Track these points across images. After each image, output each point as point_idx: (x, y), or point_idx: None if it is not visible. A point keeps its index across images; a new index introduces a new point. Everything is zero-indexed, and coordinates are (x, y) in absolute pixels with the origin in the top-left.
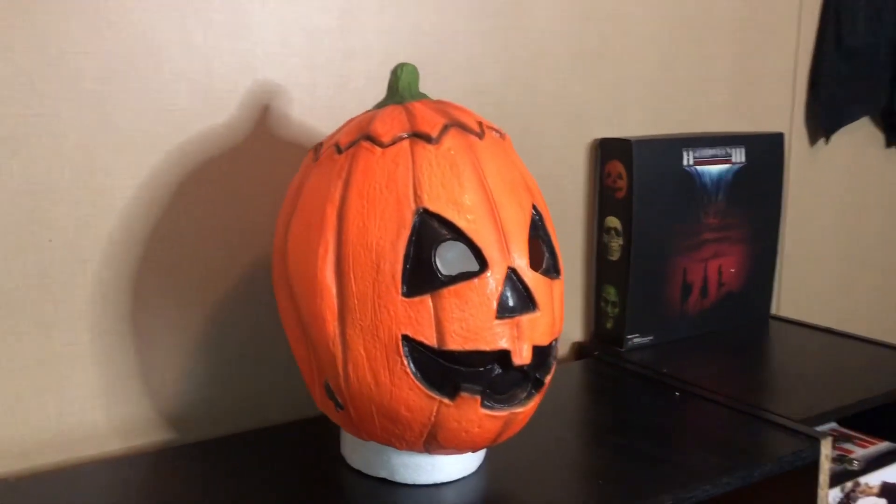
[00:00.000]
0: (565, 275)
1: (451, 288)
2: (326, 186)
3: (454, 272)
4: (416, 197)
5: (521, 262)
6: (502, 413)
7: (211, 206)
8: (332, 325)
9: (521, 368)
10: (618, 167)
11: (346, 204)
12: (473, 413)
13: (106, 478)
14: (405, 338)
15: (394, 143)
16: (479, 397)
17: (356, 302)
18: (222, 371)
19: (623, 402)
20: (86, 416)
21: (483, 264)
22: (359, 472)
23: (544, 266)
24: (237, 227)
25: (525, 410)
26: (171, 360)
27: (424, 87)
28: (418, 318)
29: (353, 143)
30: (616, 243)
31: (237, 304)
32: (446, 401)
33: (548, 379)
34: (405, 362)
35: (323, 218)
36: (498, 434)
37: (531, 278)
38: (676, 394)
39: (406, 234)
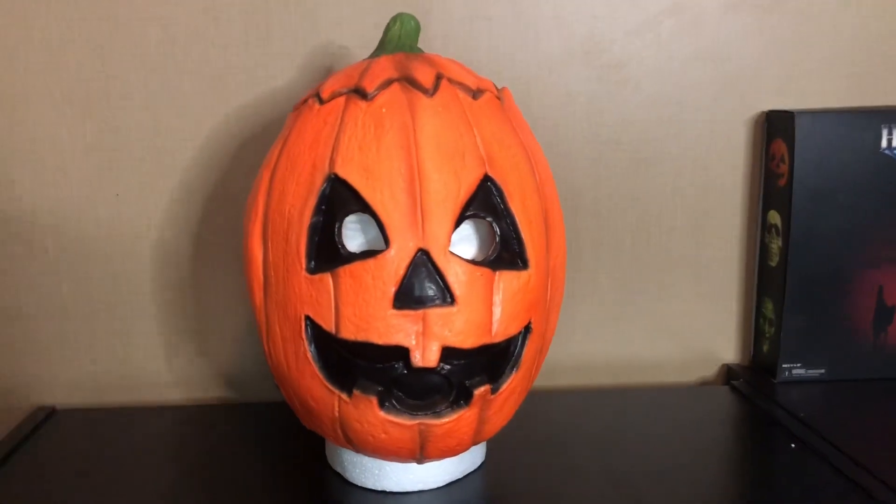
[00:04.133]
0: (716, 281)
1: (348, 267)
2: (272, 146)
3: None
4: (332, 161)
5: (439, 244)
6: (409, 422)
7: None
8: (259, 297)
9: (436, 372)
10: (781, 147)
11: (277, 165)
12: (373, 416)
13: (161, 423)
14: (308, 319)
15: (331, 99)
16: (374, 398)
17: (272, 273)
18: None
19: (723, 442)
20: (149, 364)
21: (387, 243)
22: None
23: (493, 254)
24: None
25: (443, 424)
26: (228, 322)
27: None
28: (318, 298)
29: (306, 100)
30: (776, 244)
31: None
32: (344, 396)
33: (481, 392)
34: (307, 346)
35: (259, 180)
36: (417, 446)
37: (450, 264)
38: (792, 445)
39: (313, 201)
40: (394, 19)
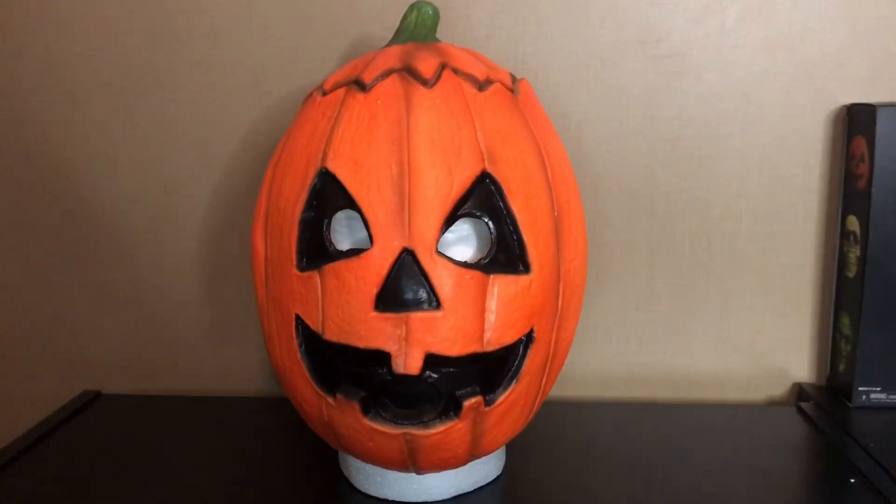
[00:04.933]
0: (788, 292)
1: (333, 266)
2: (280, 140)
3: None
4: (324, 154)
5: (425, 244)
6: (394, 431)
7: None
8: (261, 293)
9: (423, 380)
10: (861, 146)
11: (279, 159)
12: (357, 422)
13: (199, 413)
14: (298, 318)
15: (333, 90)
16: (357, 403)
17: (270, 270)
18: None
19: (776, 469)
20: (194, 354)
21: (371, 241)
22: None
23: (488, 256)
24: None
25: (430, 435)
26: None
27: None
28: (307, 297)
29: (312, 92)
30: (854, 253)
31: None
32: (329, 400)
33: (471, 403)
34: (297, 346)
35: (265, 175)
36: (406, 456)
37: (437, 266)
38: (852, 480)
39: (304, 196)
40: (411, 7)
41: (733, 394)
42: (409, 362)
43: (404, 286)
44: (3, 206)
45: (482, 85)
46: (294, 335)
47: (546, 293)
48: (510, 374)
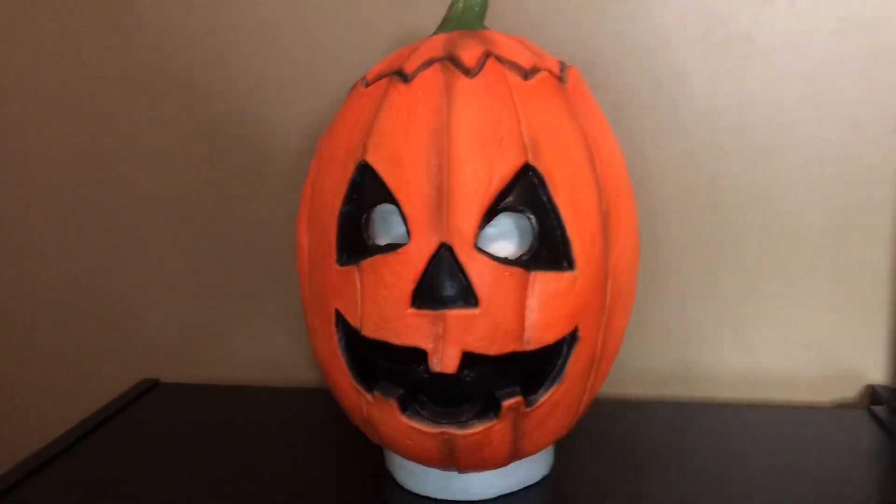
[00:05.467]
0: (862, 289)
1: (370, 260)
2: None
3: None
4: (364, 146)
5: (464, 239)
6: (432, 429)
7: None
8: (305, 287)
9: (461, 379)
10: None
11: (323, 152)
12: (395, 420)
13: (257, 403)
14: (337, 313)
15: (375, 81)
16: (394, 401)
17: (312, 264)
18: None
19: (839, 476)
20: (252, 344)
21: (409, 236)
22: None
23: (529, 252)
24: None
25: (469, 435)
26: None
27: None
28: (346, 292)
29: (356, 83)
30: None
31: None
32: (368, 397)
33: (511, 404)
34: (337, 341)
35: (310, 168)
36: (445, 455)
37: (475, 262)
38: None
39: (344, 190)
40: None
41: (800, 395)
42: (445, 361)
43: (441, 282)
44: (73, 201)
45: (527, 73)
46: (334, 330)
47: (592, 291)
48: (553, 374)
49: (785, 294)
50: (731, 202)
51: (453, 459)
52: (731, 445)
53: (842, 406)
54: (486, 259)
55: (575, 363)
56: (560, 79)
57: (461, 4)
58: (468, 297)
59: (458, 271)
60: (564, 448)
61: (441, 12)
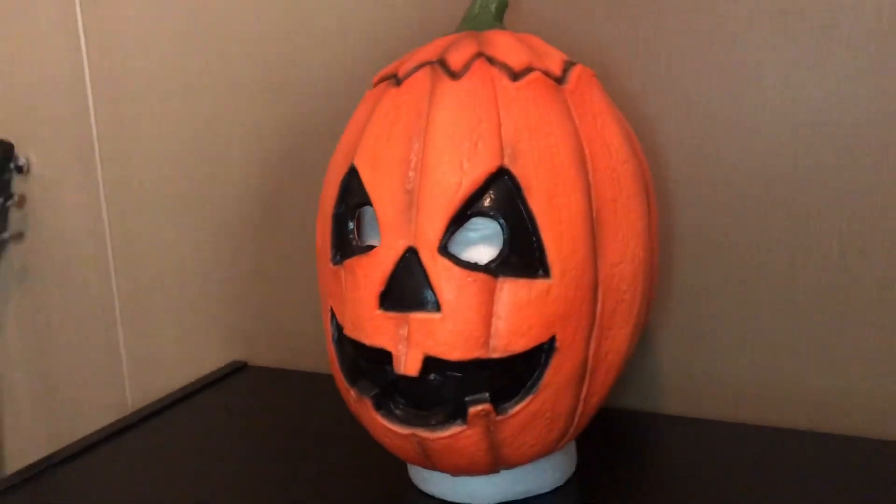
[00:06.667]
0: None
1: (350, 261)
2: None
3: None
4: (356, 150)
5: (428, 242)
6: (403, 430)
7: None
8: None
9: (429, 382)
10: None
11: (333, 155)
12: (372, 419)
13: (330, 390)
14: (332, 310)
15: (377, 84)
16: (369, 399)
17: (318, 262)
18: None
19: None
20: None
21: (380, 239)
22: None
23: (499, 258)
24: None
25: (438, 439)
26: None
27: None
28: (336, 291)
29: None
30: None
31: None
32: (352, 393)
33: (478, 411)
34: (331, 337)
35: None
36: (421, 457)
37: (437, 266)
38: None
39: (336, 191)
40: None
41: (892, 427)
42: (408, 363)
43: (406, 286)
44: (177, 196)
45: (517, 75)
46: (330, 326)
47: (573, 300)
48: (529, 384)
49: (873, 310)
50: (810, 205)
51: (430, 462)
52: (784, 477)
53: None
54: (448, 264)
55: (554, 374)
56: (559, 79)
57: (479, 4)
58: (430, 301)
59: (423, 276)
60: (588, 460)
61: None
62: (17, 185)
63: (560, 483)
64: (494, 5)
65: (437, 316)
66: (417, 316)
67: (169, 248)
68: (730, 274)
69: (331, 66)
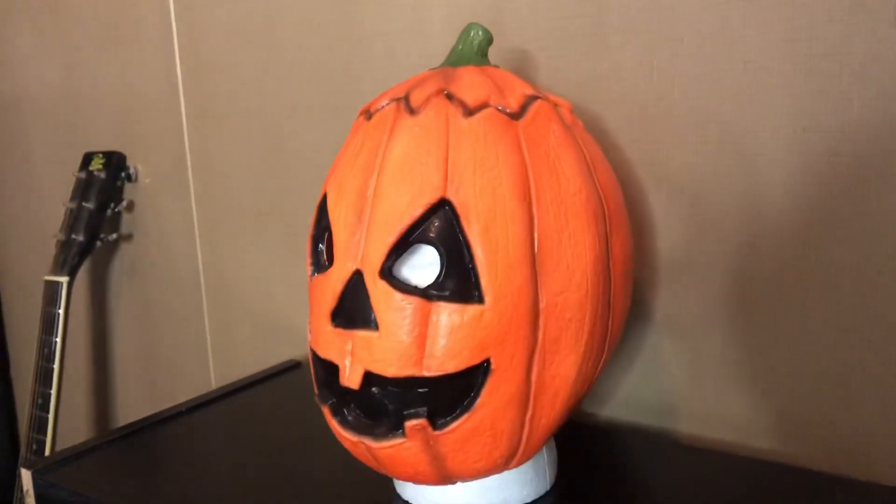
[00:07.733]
0: None
1: (313, 279)
2: None
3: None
4: (331, 177)
5: (371, 267)
6: (353, 438)
7: None
8: None
9: (372, 395)
10: None
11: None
12: (331, 424)
13: None
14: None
15: (360, 116)
16: (326, 407)
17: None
18: None
19: None
20: None
21: (331, 261)
22: None
23: (434, 283)
24: None
25: (381, 448)
26: None
27: None
28: (310, 303)
29: None
30: None
31: None
32: (316, 400)
33: (414, 425)
34: (312, 347)
35: None
36: (373, 462)
37: (377, 289)
38: None
39: (315, 214)
40: (465, 30)
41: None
42: (350, 377)
43: (353, 305)
44: (250, 215)
45: (471, 111)
46: (308, 336)
47: (508, 325)
48: (466, 402)
49: (890, 348)
50: (824, 235)
51: (382, 467)
52: None
53: None
54: (387, 287)
55: (491, 394)
56: (515, 115)
57: (463, 40)
58: (372, 320)
59: (366, 296)
60: (568, 479)
61: (527, 34)
62: (128, 191)
63: (541, 494)
64: (477, 41)
65: (375, 334)
66: (360, 333)
67: (246, 253)
68: (744, 304)
69: (380, 92)
